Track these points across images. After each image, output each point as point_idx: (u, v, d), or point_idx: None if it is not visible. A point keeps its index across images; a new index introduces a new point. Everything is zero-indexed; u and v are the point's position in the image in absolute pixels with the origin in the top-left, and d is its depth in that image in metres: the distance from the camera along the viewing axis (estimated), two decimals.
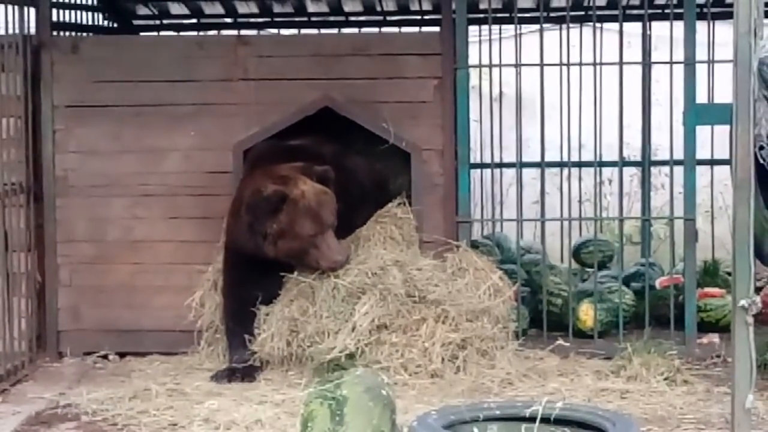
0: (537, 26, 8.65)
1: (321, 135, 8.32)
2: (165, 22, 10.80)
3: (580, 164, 10.17)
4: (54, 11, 8.78)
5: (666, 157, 9.18)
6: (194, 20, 10.79)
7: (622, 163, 8.84)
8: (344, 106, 8.26)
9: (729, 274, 8.07)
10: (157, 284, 8.41)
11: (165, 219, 8.46)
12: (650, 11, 9.10)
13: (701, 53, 8.79)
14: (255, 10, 10.67)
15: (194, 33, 10.65)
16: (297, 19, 10.72)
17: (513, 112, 8.67)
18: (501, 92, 10.73)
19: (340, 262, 7.68)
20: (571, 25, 8.85)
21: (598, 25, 8.76)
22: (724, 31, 9.70)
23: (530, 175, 9.52)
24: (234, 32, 10.35)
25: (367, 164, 8.46)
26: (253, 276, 7.81)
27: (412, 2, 10.56)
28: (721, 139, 9.61)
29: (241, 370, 7.63)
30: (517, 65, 8.52)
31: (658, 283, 9.16)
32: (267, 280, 7.81)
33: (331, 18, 10.72)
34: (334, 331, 7.49)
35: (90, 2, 9.83)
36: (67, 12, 9.25)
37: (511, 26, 9.08)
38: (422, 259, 7.95)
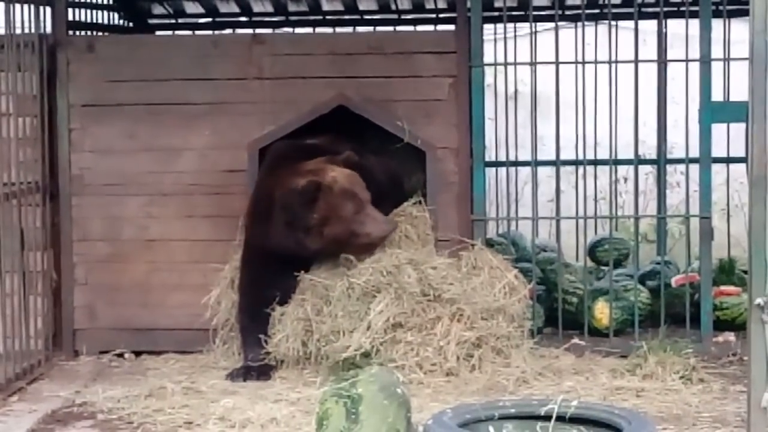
0: (552, 24, 8.65)
1: (335, 134, 8.32)
2: (180, 21, 10.83)
3: (595, 162, 10.16)
4: (69, 10, 8.80)
5: (681, 155, 9.18)
6: (209, 19, 10.81)
7: (638, 161, 8.82)
8: (359, 104, 8.27)
9: (745, 272, 8.04)
10: (172, 283, 8.43)
11: (180, 218, 8.48)
12: (665, 9, 9.08)
13: (717, 51, 8.77)
14: (270, 8, 10.69)
15: (209, 32, 10.68)
16: (312, 17, 10.74)
17: (528, 110, 8.66)
18: (516, 90, 10.73)
19: (390, 230, 7.79)
20: (586, 23, 8.86)
21: (613, 22, 8.76)
22: (739, 28, 9.66)
23: (545, 173, 9.51)
24: (249, 31, 10.36)
25: (382, 163, 8.46)
26: (273, 275, 7.80)
27: (427, 0, 10.55)
28: (736, 137, 9.58)
29: (257, 369, 7.64)
30: (532, 63, 8.51)
31: (673, 282, 9.14)
32: (285, 280, 7.81)
33: (346, 16, 10.73)
34: (349, 330, 7.48)
35: (105, 1, 9.86)
36: (82, 11, 9.28)
37: (526, 24, 9.07)
38: (437, 257, 7.95)
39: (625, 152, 9.18)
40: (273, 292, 7.80)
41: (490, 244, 8.69)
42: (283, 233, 7.73)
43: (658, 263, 9.41)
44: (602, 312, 8.58)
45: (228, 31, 10.73)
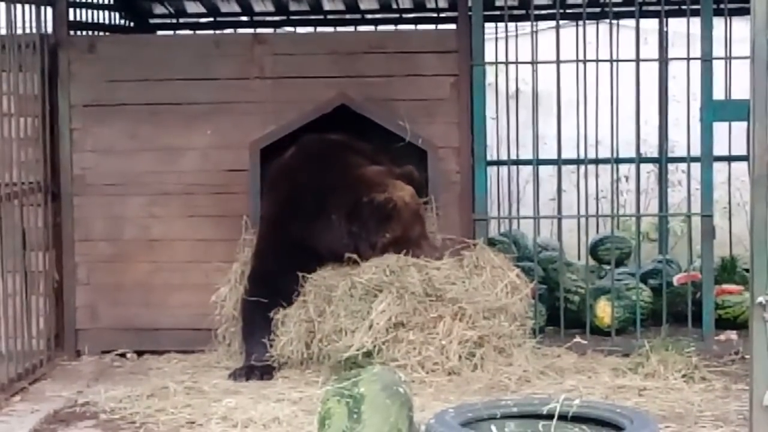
0: (553, 23, 8.65)
1: (343, 132, 8.32)
2: (181, 20, 10.83)
3: (596, 161, 10.16)
4: (71, 10, 8.81)
5: (683, 153, 9.18)
6: (210, 19, 10.81)
7: (639, 159, 8.82)
8: (361, 104, 8.26)
9: (747, 270, 8.04)
10: (174, 282, 8.43)
11: (182, 217, 8.48)
12: (667, 7, 9.08)
13: (718, 49, 8.77)
14: (271, 8, 10.68)
15: (210, 31, 10.68)
16: (313, 17, 10.73)
17: (529, 109, 8.66)
18: (517, 89, 10.72)
19: (438, 257, 7.83)
20: (587, 21, 8.84)
21: (614, 21, 8.75)
22: (741, 27, 9.68)
23: (547, 172, 9.51)
24: (250, 31, 10.35)
25: (393, 162, 8.45)
26: (296, 269, 7.78)
27: (428, 0, 10.55)
28: (738, 135, 9.59)
29: (260, 368, 7.63)
30: (534, 62, 8.51)
31: (675, 280, 9.14)
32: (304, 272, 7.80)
33: (348, 16, 10.73)
34: (352, 330, 7.47)
35: (107, 1, 9.86)
36: (83, 11, 9.28)
37: (528, 23, 9.07)
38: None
39: (627, 151, 9.18)
40: (293, 286, 7.77)
41: (491, 243, 8.68)
42: (340, 238, 7.76)
43: (660, 262, 9.40)
44: (604, 311, 8.57)
45: (229, 30, 10.73)
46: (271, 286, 7.79)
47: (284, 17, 10.78)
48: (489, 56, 9.05)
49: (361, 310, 7.53)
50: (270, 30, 10.56)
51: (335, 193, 7.78)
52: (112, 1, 9.98)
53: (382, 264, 7.66)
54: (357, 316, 7.51)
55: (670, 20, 9.88)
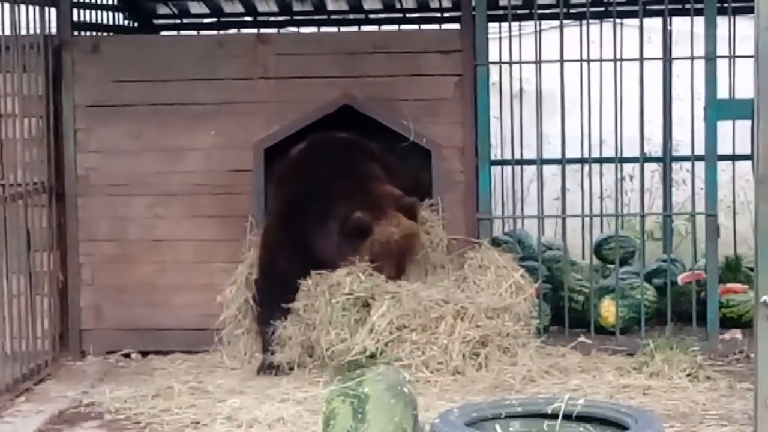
0: (557, 22, 8.64)
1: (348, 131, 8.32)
2: (185, 21, 10.84)
3: (601, 160, 10.15)
4: (75, 11, 8.82)
5: (687, 152, 9.16)
6: (214, 19, 10.82)
7: (643, 158, 8.82)
8: (364, 103, 8.27)
9: (751, 269, 8.03)
10: (178, 283, 8.44)
11: (186, 218, 8.48)
12: (670, 6, 9.08)
13: (722, 48, 8.76)
14: (275, 8, 10.69)
15: (214, 32, 10.68)
16: (317, 17, 10.74)
17: (533, 109, 8.67)
18: (521, 89, 10.72)
19: None
20: (591, 20, 8.84)
21: (618, 20, 8.74)
22: (744, 25, 9.66)
23: (551, 171, 9.51)
24: (254, 31, 10.36)
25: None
26: (301, 263, 7.79)
27: (431, 0, 10.55)
28: (742, 134, 9.58)
29: (282, 363, 7.62)
30: (538, 62, 8.50)
31: (680, 279, 9.13)
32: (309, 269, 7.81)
33: (351, 16, 10.73)
34: (341, 340, 7.43)
35: (110, 2, 9.87)
36: (87, 12, 9.28)
37: (531, 22, 9.06)
38: None
39: (631, 150, 9.18)
40: (299, 281, 7.73)
41: (496, 242, 8.68)
42: (330, 246, 7.76)
43: (665, 261, 9.40)
44: (608, 310, 8.56)
45: (233, 30, 10.74)
46: (280, 279, 7.80)
47: (288, 17, 10.78)
48: (493, 56, 9.04)
49: (345, 321, 7.50)
50: (273, 30, 10.56)
51: (340, 199, 7.76)
52: (115, 2, 9.99)
53: (354, 271, 7.64)
54: (345, 329, 7.47)
55: (674, 19, 9.88)
